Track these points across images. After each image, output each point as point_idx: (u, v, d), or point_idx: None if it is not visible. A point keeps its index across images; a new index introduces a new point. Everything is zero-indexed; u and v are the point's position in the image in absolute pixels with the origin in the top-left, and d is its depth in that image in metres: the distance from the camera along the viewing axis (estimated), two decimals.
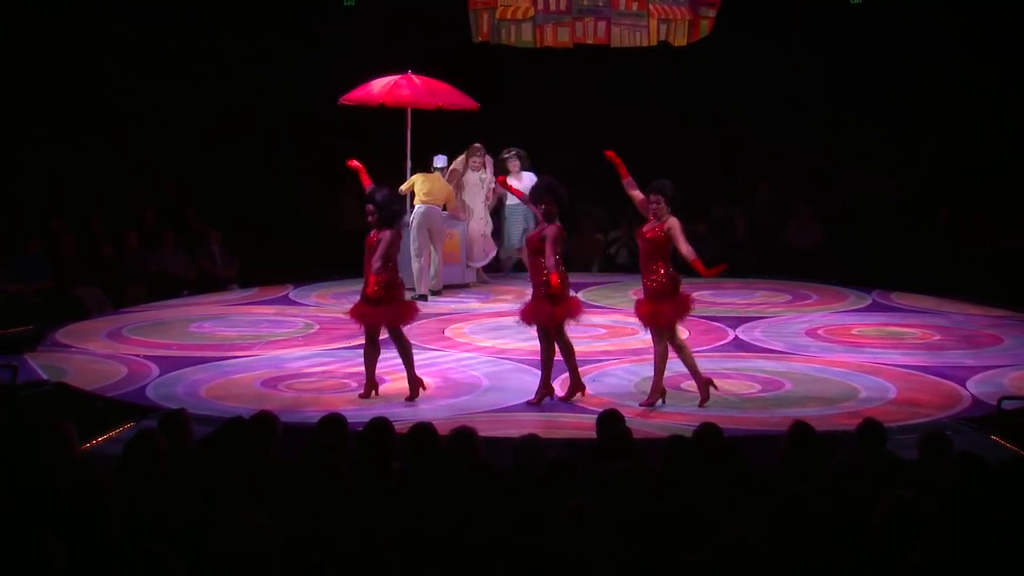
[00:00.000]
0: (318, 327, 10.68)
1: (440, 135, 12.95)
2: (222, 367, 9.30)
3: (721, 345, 10.14)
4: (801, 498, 4.22)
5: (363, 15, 15.06)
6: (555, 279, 8.02)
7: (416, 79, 12.40)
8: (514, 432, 6.76)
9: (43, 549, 3.51)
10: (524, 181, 12.61)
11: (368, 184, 8.77)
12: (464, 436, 5.46)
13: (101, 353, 9.76)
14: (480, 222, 13.01)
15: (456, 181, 12.86)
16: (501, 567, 4.00)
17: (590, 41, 14.32)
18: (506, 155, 12.82)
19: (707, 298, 12.36)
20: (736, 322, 10.98)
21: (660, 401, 8.16)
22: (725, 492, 4.92)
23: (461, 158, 12.94)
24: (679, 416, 7.88)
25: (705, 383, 8.19)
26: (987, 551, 4.09)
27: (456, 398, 8.41)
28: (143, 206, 13.99)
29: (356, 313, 8.41)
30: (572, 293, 8.51)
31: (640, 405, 8.09)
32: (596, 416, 6.26)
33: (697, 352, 9.81)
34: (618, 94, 15.37)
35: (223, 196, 14.51)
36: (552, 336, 8.24)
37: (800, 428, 5.60)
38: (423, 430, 5.64)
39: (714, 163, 15.80)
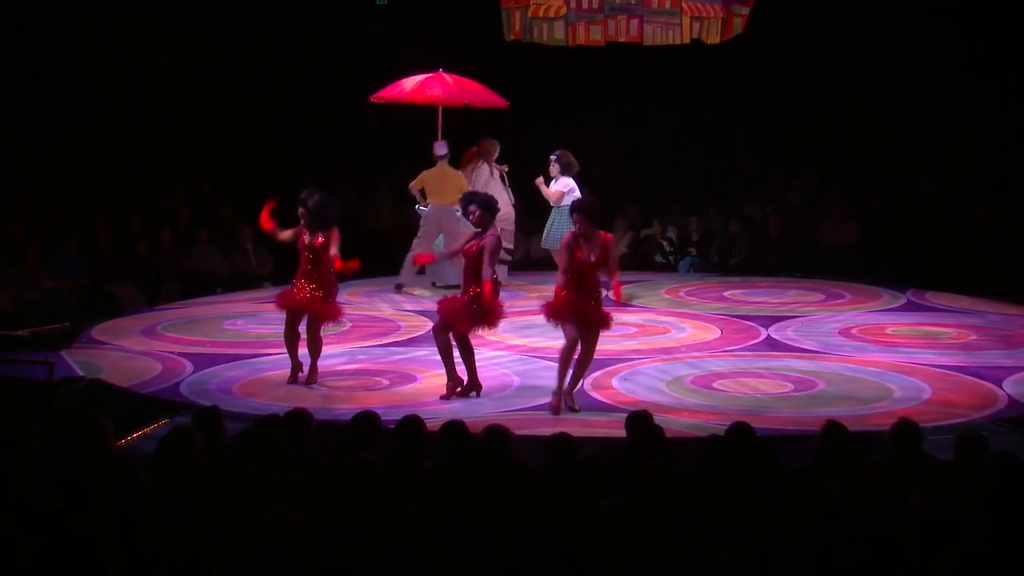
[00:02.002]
0: (350, 325, 10.72)
1: (471, 134, 12.94)
2: (255, 364, 9.36)
3: (753, 344, 10.08)
4: (835, 498, 4.20)
5: (395, 13, 15.10)
6: (488, 289, 7.90)
7: (447, 77, 12.40)
8: (546, 431, 6.76)
9: (98, 544, 3.54)
10: (559, 186, 12.46)
11: (270, 227, 8.79)
12: (496, 434, 5.47)
13: (136, 350, 9.84)
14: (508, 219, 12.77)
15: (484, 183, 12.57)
16: (533, 566, 4.00)
17: (623, 39, 14.27)
18: (551, 157, 12.66)
19: (739, 297, 12.32)
20: (769, 321, 10.92)
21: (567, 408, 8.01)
22: (758, 492, 4.89)
23: (480, 164, 12.48)
24: (710, 415, 7.84)
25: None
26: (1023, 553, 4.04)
27: (488, 396, 8.40)
28: (178, 204, 14.10)
29: (327, 310, 8.60)
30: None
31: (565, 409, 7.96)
32: (626, 415, 6.24)
33: (729, 351, 9.82)
34: (651, 92, 15.33)
35: (258, 195, 14.58)
36: (457, 337, 8.20)
37: (833, 428, 5.57)
38: (455, 428, 5.65)
39: (747, 162, 15.74)
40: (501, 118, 13.07)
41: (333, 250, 8.50)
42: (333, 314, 8.69)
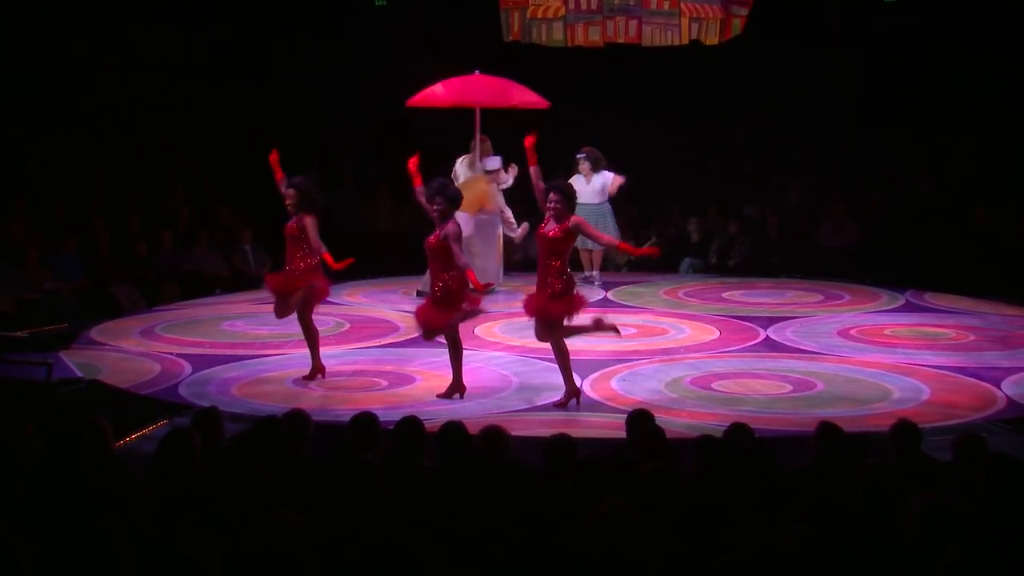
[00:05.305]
0: (349, 326, 10.72)
1: (489, 135, 12.84)
2: (254, 365, 9.36)
3: (752, 345, 10.08)
4: (834, 499, 4.20)
5: (394, 15, 15.11)
6: (472, 277, 8.05)
7: (485, 79, 12.06)
8: (545, 431, 6.76)
9: (115, 545, 3.54)
10: (594, 184, 12.36)
11: (280, 176, 8.79)
12: (495, 435, 5.47)
13: (134, 351, 9.84)
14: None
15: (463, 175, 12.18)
16: (534, 567, 4.00)
17: (621, 40, 14.30)
18: (578, 156, 12.55)
19: (738, 298, 12.32)
20: (768, 322, 10.92)
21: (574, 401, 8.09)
22: (757, 492, 4.89)
23: (465, 157, 12.25)
24: (711, 416, 7.84)
25: (573, 390, 8.08)
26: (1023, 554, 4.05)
27: (486, 397, 8.41)
28: (178, 205, 14.11)
29: (319, 286, 8.60)
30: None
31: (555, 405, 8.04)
32: (627, 415, 6.24)
33: (728, 352, 9.82)
34: (650, 93, 15.33)
35: (257, 196, 14.61)
36: (447, 335, 8.27)
37: (827, 428, 5.57)
38: (454, 429, 5.65)
39: (747, 162, 15.74)
40: (499, 119, 13.04)
41: (312, 235, 8.44)
42: (325, 291, 8.69)
